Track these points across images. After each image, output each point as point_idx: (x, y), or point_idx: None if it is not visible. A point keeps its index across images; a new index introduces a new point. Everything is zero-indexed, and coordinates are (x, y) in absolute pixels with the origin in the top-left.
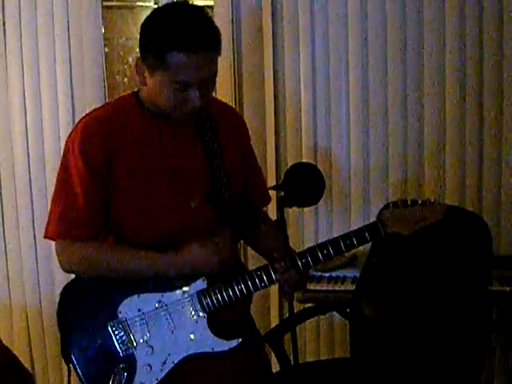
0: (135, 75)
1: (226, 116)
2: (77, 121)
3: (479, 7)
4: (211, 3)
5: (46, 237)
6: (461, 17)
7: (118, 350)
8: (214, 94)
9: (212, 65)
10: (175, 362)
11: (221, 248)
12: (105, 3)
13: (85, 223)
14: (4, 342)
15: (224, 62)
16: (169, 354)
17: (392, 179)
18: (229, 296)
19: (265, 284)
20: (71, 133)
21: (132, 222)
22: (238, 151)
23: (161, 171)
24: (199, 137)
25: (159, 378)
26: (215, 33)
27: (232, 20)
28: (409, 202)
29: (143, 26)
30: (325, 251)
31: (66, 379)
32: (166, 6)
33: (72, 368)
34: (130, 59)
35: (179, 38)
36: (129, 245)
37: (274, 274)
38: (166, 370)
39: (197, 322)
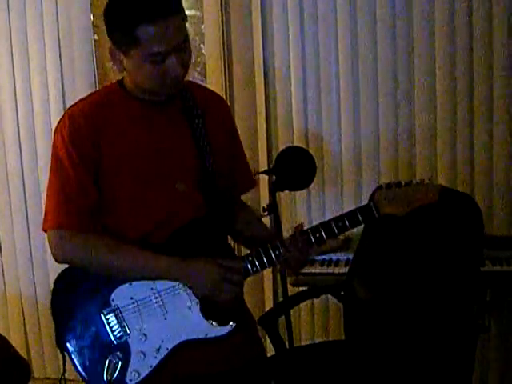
0: (112, 64)
1: (212, 103)
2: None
3: (469, 10)
4: None
5: (44, 230)
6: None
7: (112, 338)
8: (204, 80)
9: (181, 30)
10: (169, 348)
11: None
12: None
13: (83, 212)
14: (0, 331)
15: (214, 49)
16: (162, 341)
17: (383, 162)
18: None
19: (263, 264)
20: (59, 123)
21: (120, 207)
22: (224, 136)
23: (148, 155)
24: (187, 122)
25: (153, 365)
26: None
27: (221, 5)
28: (403, 183)
29: (106, 12)
30: (317, 234)
31: (61, 368)
32: None
33: (67, 356)
34: None
35: (143, 10)
36: (130, 243)
37: (274, 252)
38: (160, 357)
39: (190, 308)
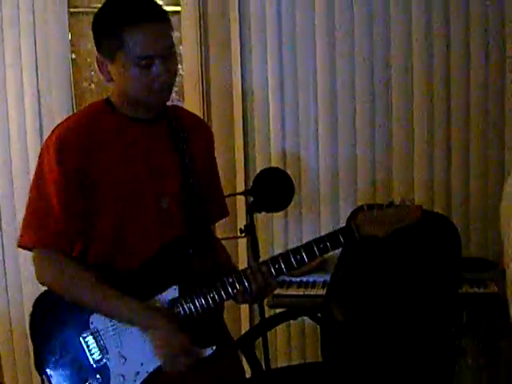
0: (100, 73)
1: (197, 128)
2: (44, 127)
3: (445, 12)
4: (179, 9)
5: (20, 246)
6: (427, 18)
7: (91, 361)
8: (181, 101)
9: (165, 36)
10: (149, 372)
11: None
12: (71, 9)
13: (62, 232)
14: None
15: (192, 70)
16: (142, 364)
17: (361, 183)
18: (201, 304)
19: (237, 291)
20: (46, 142)
21: (105, 227)
22: (205, 162)
23: (135, 173)
24: (172, 142)
25: None
26: (161, 7)
27: (200, 26)
28: (384, 205)
29: (95, 20)
30: (298, 256)
31: None
32: None
33: (46, 379)
34: None
35: (128, 14)
36: (109, 283)
37: (247, 280)
38: (140, 381)
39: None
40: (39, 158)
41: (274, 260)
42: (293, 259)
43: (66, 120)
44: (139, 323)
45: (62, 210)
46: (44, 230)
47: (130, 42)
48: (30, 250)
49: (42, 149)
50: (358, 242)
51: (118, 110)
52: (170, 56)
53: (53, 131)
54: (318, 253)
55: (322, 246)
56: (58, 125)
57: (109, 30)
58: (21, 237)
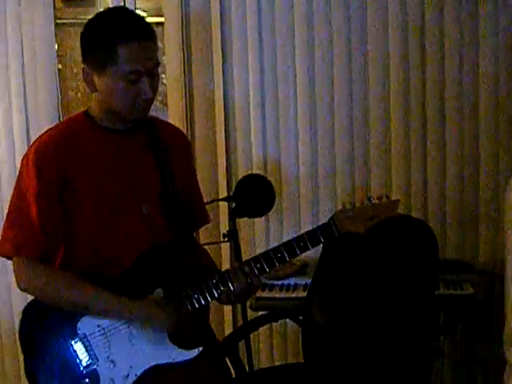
0: (85, 84)
1: (176, 138)
2: (31, 136)
3: (421, 20)
4: (162, 20)
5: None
6: (403, 26)
7: (81, 366)
8: (165, 109)
9: (154, 54)
10: (137, 374)
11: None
12: (57, 21)
13: (40, 244)
14: None
15: (175, 80)
16: (131, 367)
17: (339, 188)
18: (185, 306)
19: (221, 292)
20: (26, 153)
21: (87, 235)
22: (184, 170)
23: (115, 181)
24: (151, 152)
25: None
26: (151, 25)
27: (182, 37)
28: (360, 202)
29: (85, 32)
30: (279, 254)
31: None
32: (104, 11)
33: None
34: None
35: (125, 30)
36: (88, 279)
37: (229, 280)
38: (129, 383)
39: (156, 334)
40: (20, 170)
41: (256, 259)
42: (274, 258)
43: (45, 133)
44: (132, 313)
45: (40, 221)
46: (22, 239)
47: (122, 57)
48: (8, 258)
49: (21, 161)
50: (337, 240)
51: (97, 122)
52: (155, 74)
53: (32, 144)
54: (298, 251)
55: (302, 243)
56: (38, 137)
57: (102, 44)
58: (0, 246)
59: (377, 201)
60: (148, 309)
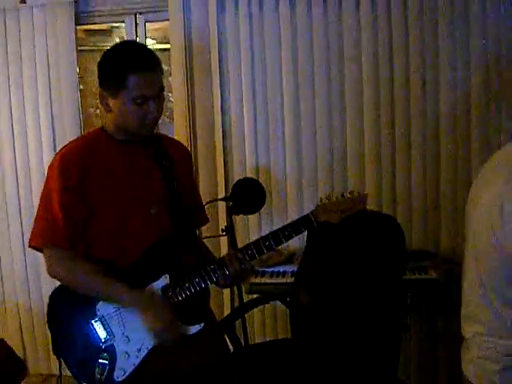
0: (100, 105)
1: (180, 151)
2: (57, 147)
3: (389, 31)
4: (168, 46)
5: (30, 246)
6: (374, 52)
7: (100, 342)
8: (172, 123)
9: (159, 81)
10: (149, 347)
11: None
12: (79, 47)
13: (63, 235)
14: (0, 336)
15: (180, 98)
16: (142, 342)
17: (320, 190)
18: (189, 289)
19: (218, 275)
20: (53, 160)
21: (103, 229)
22: (186, 178)
23: (127, 186)
24: (157, 161)
25: (136, 363)
26: (157, 58)
27: (186, 61)
28: (335, 197)
29: (102, 61)
30: (267, 243)
31: (53, 366)
32: (117, 44)
33: (63, 361)
34: None
35: (134, 63)
36: (105, 272)
37: (225, 265)
38: (142, 356)
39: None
40: (47, 174)
41: (247, 247)
42: (262, 245)
43: (68, 144)
44: (131, 303)
45: (63, 215)
46: (49, 232)
47: (131, 84)
48: (38, 250)
49: (48, 167)
50: (317, 230)
51: (111, 136)
52: (160, 97)
53: (57, 152)
54: (283, 239)
55: (286, 232)
56: (62, 147)
57: (115, 74)
58: (30, 240)
59: (349, 195)
60: (142, 303)
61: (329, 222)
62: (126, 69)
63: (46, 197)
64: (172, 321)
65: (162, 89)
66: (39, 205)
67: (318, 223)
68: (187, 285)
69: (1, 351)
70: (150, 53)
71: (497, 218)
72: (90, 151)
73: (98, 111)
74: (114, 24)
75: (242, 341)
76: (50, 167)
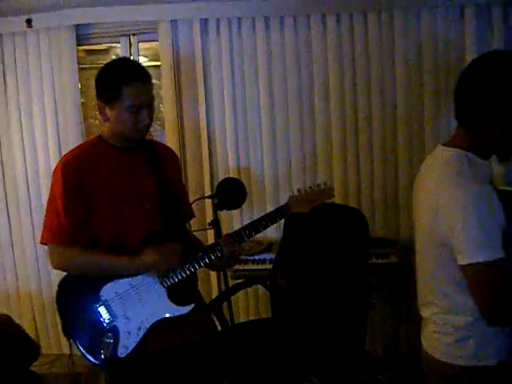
0: (99, 114)
1: (168, 155)
2: (63, 152)
3: (351, 49)
4: (159, 63)
5: (40, 242)
6: (339, 68)
7: (104, 323)
8: (163, 130)
9: (150, 92)
10: (147, 326)
11: (169, 258)
12: (80, 65)
13: (67, 232)
14: (15, 320)
15: (170, 108)
16: (142, 322)
17: (294, 187)
18: (181, 273)
19: (206, 262)
20: (56, 166)
21: (103, 223)
22: (175, 178)
23: (123, 185)
24: (150, 163)
25: (137, 341)
26: (147, 72)
27: (174, 76)
28: (304, 189)
29: (99, 75)
30: (247, 231)
31: (63, 346)
32: (111, 61)
33: (72, 341)
34: None
35: (128, 76)
36: (104, 251)
37: (212, 253)
38: (142, 334)
39: (159, 295)
40: (52, 178)
41: (231, 235)
42: (243, 233)
43: (69, 151)
44: (134, 263)
45: (65, 214)
46: (53, 229)
47: (125, 95)
48: (46, 245)
49: (53, 172)
50: (291, 220)
51: (108, 142)
52: (151, 106)
53: (60, 159)
54: (261, 228)
55: (263, 222)
56: (64, 155)
57: (111, 86)
58: (41, 237)
59: (316, 187)
60: (142, 260)
61: (301, 212)
62: (121, 81)
63: (50, 200)
64: (174, 251)
65: (153, 98)
66: (47, 206)
67: (291, 213)
68: (181, 269)
69: (16, 334)
70: (141, 67)
71: (433, 208)
72: (88, 157)
73: (97, 121)
74: (111, 44)
75: (229, 320)
76: (54, 172)
